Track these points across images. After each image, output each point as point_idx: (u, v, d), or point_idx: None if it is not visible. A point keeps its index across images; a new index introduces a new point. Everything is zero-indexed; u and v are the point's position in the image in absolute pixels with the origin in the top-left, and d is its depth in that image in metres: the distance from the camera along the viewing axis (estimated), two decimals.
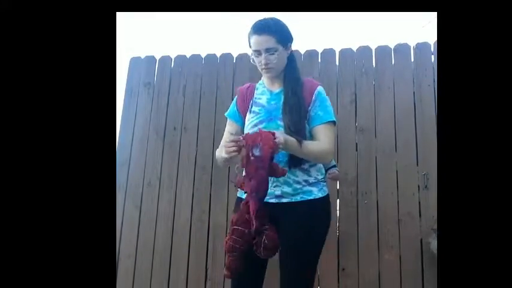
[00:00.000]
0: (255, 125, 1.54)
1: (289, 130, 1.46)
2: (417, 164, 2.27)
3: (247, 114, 1.61)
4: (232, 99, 1.75)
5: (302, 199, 1.48)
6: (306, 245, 1.47)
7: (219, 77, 2.63)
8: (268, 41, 1.49)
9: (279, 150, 1.34)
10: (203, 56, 2.71)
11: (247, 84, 1.70)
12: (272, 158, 1.32)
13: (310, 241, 1.48)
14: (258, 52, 1.52)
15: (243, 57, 2.62)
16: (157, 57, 2.77)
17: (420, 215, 2.21)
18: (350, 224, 2.25)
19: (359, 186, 2.30)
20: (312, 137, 1.52)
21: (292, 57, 1.59)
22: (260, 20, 1.53)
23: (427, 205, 2.20)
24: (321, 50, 2.55)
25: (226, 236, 1.40)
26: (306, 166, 1.52)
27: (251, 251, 1.33)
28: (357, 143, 2.37)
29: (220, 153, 1.52)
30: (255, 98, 1.62)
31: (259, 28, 1.51)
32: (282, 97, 1.54)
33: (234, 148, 1.35)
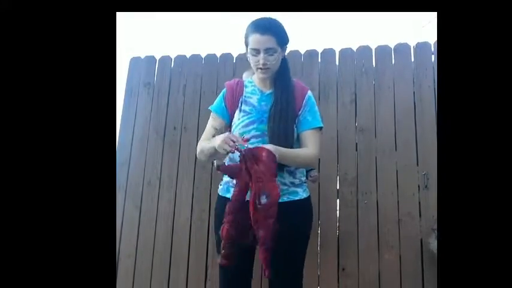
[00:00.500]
0: (246, 125, 1.55)
1: (276, 134, 1.47)
2: (417, 164, 2.27)
3: (237, 111, 1.60)
4: None
5: (289, 199, 1.51)
6: (294, 244, 1.50)
7: (219, 77, 2.63)
8: (270, 41, 1.48)
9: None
10: (203, 56, 2.71)
11: (236, 80, 1.68)
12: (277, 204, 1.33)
13: (297, 240, 1.52)
14: (256, 51, 1.50)
15: (243, 57, 2.62)
16: (157, 57, 2.77)
17: (420, 215, 2.21)
18: (350, 224, 2.25)
19: (359, 186, 2.30)
20: (299, 141, 1.56)
21: (285, 60, 1.59)
22: (262, 19, 1.52)
23: (427, 205, 2.20)
24: (321, 50, 2.55)
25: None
26: (291, 168, 1.54)
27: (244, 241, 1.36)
28: (357, 143, 2.37)
29: (208, 144, 1.52)
30: (245, 96, 1.61)
31: (261, 27, 1.49)
32: (272, 99, 1.55)
33: (232, 149, 1.36)
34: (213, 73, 2.65)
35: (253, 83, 1.63)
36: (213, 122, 1.66)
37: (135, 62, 2.81)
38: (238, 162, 1.36)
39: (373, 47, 2.49)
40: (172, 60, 2.75)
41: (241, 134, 1.52)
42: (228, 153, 1.39)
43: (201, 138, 1.64)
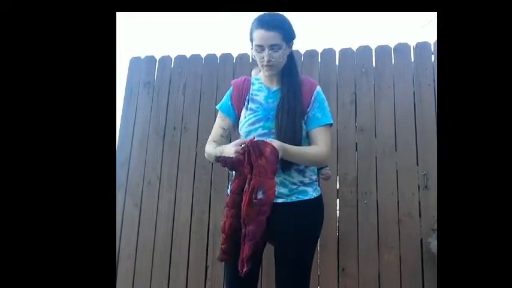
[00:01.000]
0: (253, 123, 1.53)
1: (283, 131, 1.45)
2: (417, 164, 2.27)
3: (243, 110, 1.58)
4: None
5: (298, 199, 1.49)
6: (303, 245, 1.47)
7: (219, 77, 2.63)
8: (275, 37, 1.45)
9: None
10: (203, 56, 2.71)
11: (242, 78, 1.65)
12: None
13: (307, 241, 1.49)
14: (261, 47, 1.47)
15: (243, 57, 2.63)
16: (157, 57, 2.77)
17: (420, 215, 2.21)
18: (350, 224, 2.25)
19: (359, 186, 2.29)
20: (308, 139, 1.52)
21: (292, 56, 1.56)
22: (266, 15, 1.49)
23: (427, 205, 2.20)
24: (321, 50, 2.55)
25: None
26: (301, 167, 1.51)
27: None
28: (357, 143, 2.37)
29: (215, 150, 1.50)
30: (252, 94, 1.58)
31: (266, 23, 1.46)
32: (279, 96, 1.53)
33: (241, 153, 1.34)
34: (213, 73, 2.65)
35: (260, 80, 1.60)
36: (220, 121, 1.64)
37: (135, 62, 2.81)
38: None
39: (373, 47, 2.49)
40: (172, 60, 2.75)
41: (248, 132, 1.51)
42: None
43: (209, 139, 1.62)
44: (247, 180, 1.32)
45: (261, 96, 1.57)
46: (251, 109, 1.56)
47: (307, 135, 1.52)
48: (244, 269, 1.30)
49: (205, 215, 2.42)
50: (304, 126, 1.51)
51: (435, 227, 2.09)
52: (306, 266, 1.49)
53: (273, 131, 1.48)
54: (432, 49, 2.43)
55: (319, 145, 1.49)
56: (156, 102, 2.68)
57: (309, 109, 1.52)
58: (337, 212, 2.29)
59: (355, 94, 2.44)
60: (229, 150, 1.39)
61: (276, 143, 1.35)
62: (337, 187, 2.31)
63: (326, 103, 1.57)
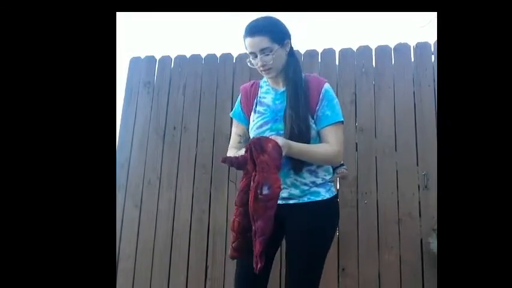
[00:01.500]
0: (261, 126, 1.51)
1: (292, 132, 1.42)
2: (417, 164, 2.27)
3: (252, 113, 1.57)
4: (232, 99, 1.74)
5: (309, 200, 1.46)
6: (313, 246, 1.44)
7: (219, 77, 2.63)
8: (262, 41, 1.44)
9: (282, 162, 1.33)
10: (203, 56, 2.71)
11: (251, 82, 1.65)
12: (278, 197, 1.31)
13: (317, 241, 1.46)
14: (253, 54, 1.47)
15: (243, 57, 2.62)
16: (157, 57, 2.77)
17: (420, 215, 2.21)
18: (350, 224, 2.25)
19: (359, 186, 2.30)
20: (320, 138, 1.49)
21: (292, 54, 1.54)
22: (251, 21, 1.49)
23: (427, 205, 2.20)
24: (321, 50, 2.55)
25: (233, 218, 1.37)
26: (313, 167, 1.49)
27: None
28: (357, 143, 2.37)
29: (239, 153, 1.48)
30: (260, 96, 1.57)
31: (251, 29, 1.46)
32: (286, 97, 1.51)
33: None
34: (213, 73, 2.65)
35: (268, 82, 1.59)
36: (235, 129, 1.64)
37: (135, 62, 2.81)
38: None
39: (373, 47, 2.49)
40: (172, 60, 2.75)
41: (257, 135, 1.48)
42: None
43: (229, 147, 1.62)
44: (252, 177, 1.32)
45: (268, 99, 1.56)
46: (259, 112, 1.54)
47: (318, 134, 1.49)
48: (259, 266, 1.29)
49: (205, 215, 2.42)
50: (313, 125, 1.48)
51: (435, 227, 2.09)
52: (317, 268, 1.46)
53: (281, 132, 1.46)
54: (432, 49, 2.43)
55: (329, 143, 1.46)
56: (156, 102, 2.68)
57: (317, 107, 1.49)
58: None
59: (355, 94, 2.44)
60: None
61: (279, 140, 1.34)
62: (337, 187, 2.31)
63: (336, 100, 1.54)
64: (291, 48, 1.54)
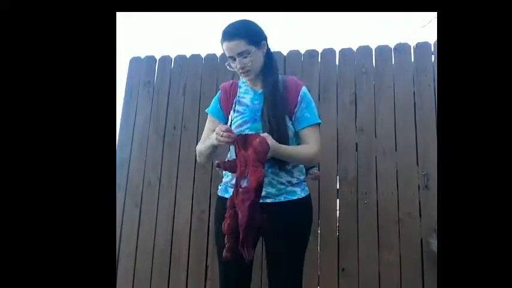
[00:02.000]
0: (240, 125, 1.54)
1: (270, 132, 1.46)
2: (417, 164, 2.27)
3: (231, 112, 1.60)
4: None
5: (286, 199, 1.50)
6: (292, 244, 1.48)
7: (219, 77, 2.63)
8: (238, 45, 1.48)
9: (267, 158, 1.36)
10: (203, 56, 2.71)
11: (230, 82, 1.69)
12: (260, 188, 1.31)
13: (295, 240, 1.50)
14: (232, 58, 1.52)
15: None
16: (157, 57, 2.77)
17: (420, 215, 2.21)
18: (350, 224, 2.25)
19: (359, 186, 2.30)
20: (298, 138, 1.54)
21: (269, 56, 1.57)
22: (227, 26, 1.53)
23: (427, 205, 2.20)
24: (321, 50, 2.55)
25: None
26: (289, 167, 1.53)
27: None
28: (357, 143, 2.37)
29: (204, 144, 1.54)
30: (239, 96, 1.61)
31: (227, 34, 1.50)
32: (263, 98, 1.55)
33: (227, 140, 1.38)
34: (213, 73, 2.65)
35: (247, 83, 1.63)
36: (210, 124, 1.67)
37: (135, 62, 2.81)
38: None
39: (373, 47, 2.49)
40: (172, 60, 2.75)
41: (236, 134, 1.52)
42: (227, 143, 1.41)
43: (200, 141, 1.65)
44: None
45: (247, 99, 1.59)
46: (238, 111, 1.58)
47: (296, 135, 1.54)
48: (245, 254, 1.32)
49: (205, 215, 2.42)
50: (291, 126, 1.52)
51: (436, 227, 2.09)
52: (298, 266, 1.51)
53: (260, 132, 1.49)
54: (432, 49, 2.43)
55: (310, 144, 1.52)
56: (156, 102, 2.68)
57: (296, 109, 1.54)
58: (337, 212, 2.29)
59: (355, 94, 2.44)
60: (212, 138, 1.44)
61: (269, 139, 1.37)
62: (337, 187, 2.32)
63: (313, 103, 1.60)
64: (268, 49, 1.57)
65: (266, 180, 1.46)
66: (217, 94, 1.70)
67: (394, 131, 2.34)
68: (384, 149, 2.32)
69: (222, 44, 1.53)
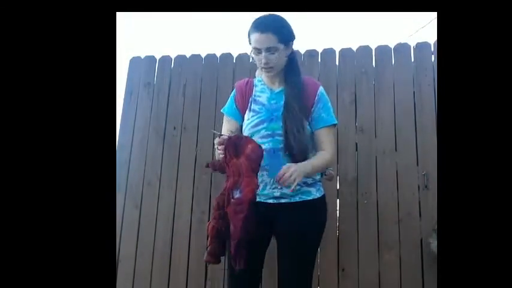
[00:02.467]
0: (256, 125, 1.52)
1: (290, 132, 1.44)
2: (417, 164, 2.27)
3: (247, 111, 1.58)
4: None
5: (301, 199, 1.49)
6: (305, 244, 1.48)
7: (219, 77, 2.62)
8: (270, 40, 1.45)
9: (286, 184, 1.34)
10: (203, 56, 2.71)
11: (245, 80, 1.66)
12: (254, 200, 1.29)
13: (309, 240, 1.49)
14: (258, 50, 1.48)
15: (243, 57, 2.62)
16: (157, 57, 2.77)
17: (420, 215, 2.20)
18: (350, 224, 2.25)
19: (359, 186, 2.29)
20: (314, 139, 1.53)
21: (293, 56, 1.56)
22: (262, 17, 1.50)
23: (427, 205, 2.20)
24: (321, 50, 2.55)
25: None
26: None
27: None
28: (357, 143, 2.37)
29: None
30: (255, 95, 1.58)
31: (260, 26, 1.47)
32: (283, 97, 1.53)
33: (221, 152, 1.36)
34: (213, 73, 2.64)
35: (263, 81, 1.61)
36: (227, 125, 1.64)
37: (135, 62, 2.81)
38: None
39: (373, 47, 2.48)
40: (172, 60, 2.75)
41: (251, 134, 1.50)
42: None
43: None
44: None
45: (263, 98, 1.57)
46: (254, 110, 1.55)
47: (312, 135, 1.53)
48: (236, 267, 1.31)
49: (205, 215, 2.42)
50: (308, 126, 1.51)
51: (436, 227, 2.09)
52: (309, 266, 1.50)
53: (277, 132, 1.48)
54: (432, 49, 2.43)
55: (327, 148, 1.52)
56: (156, 103, 2.67)
57: (313, 109, 1.52)
58: (337, 212, 2.29)
59: (355, 94, 2.44)
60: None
61: (293, 167, 1.35)
62: (337, 187, 2.31)
63: (329, 103, 1.58)
64: (293, 49, 1.56)
65: None
66: (232, 93, 1.66)
67: (394, 131, 2.34)
68: (383, 149, 2.32)
69: (251, 33, 1.49)
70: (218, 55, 2.69)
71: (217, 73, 2.64)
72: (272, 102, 1.55)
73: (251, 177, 1.29)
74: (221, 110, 1.69)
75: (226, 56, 2.67)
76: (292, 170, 1.33)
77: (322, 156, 1.51)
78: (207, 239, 1.36)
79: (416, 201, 2.23)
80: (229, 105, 1.65)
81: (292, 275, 1.45)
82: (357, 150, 2.36)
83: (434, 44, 2.42)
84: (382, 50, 2.47)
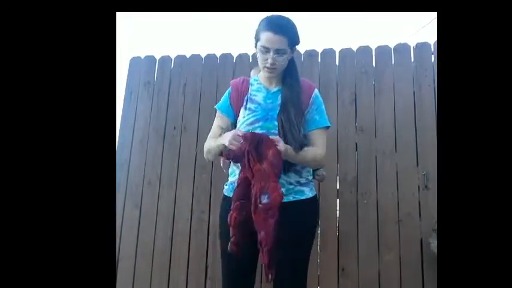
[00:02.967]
0: (251, 123, 1.53)
1: (286, 132, 1.46)
2: (417, 164, 2.27)
3: (242, 109, 1.59)
4: None
5: (294, 199, 1.51)
6: (300, 243, 1.49)
7: (219, 77, 2.63)
8: (282, 42, 1.46)
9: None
10: (203, 56, 2.71)
11: (241, 78, 1.67)
12: (281, 205, 1.30)
13: (303, 239, 1.51)
14: (266, 49, 1.48)
15: (243, 57, 2.63)
16: (157, 57, 2.77)
17: (420, 215, 2.21)
18: (350, 224, 2.25)
19: (359, 186, 2.30)
20: (306, 140, 1.54)
21: (292, 59, 1.58)
22: (276, 18, 1.50)
23: (427, 205, 2.20)
24: (321, 50, 2.55)
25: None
26: (298, 167, 1.53)
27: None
28: (356, 143, 2.37)
29: (216, 142, 1.52)
30: (251, 94, 1.60)
31: (275, 26, 1.47)
32: (279, 97, 1.54)
33: (238, 146, 1.36)
34: (213, 73, 2.65)
35: (259, 80, 1.62)
36: (219, 121, 1.65)
37: (135, 62, 2.81)
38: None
39: (373, 47, 2.49)
40: (172, 60, 2.75)
41: (247, 132, 1.51)
42: (237, 151, 1.38)
43: (208, 137, 1.64)
44: (251, 185, 1.33)
45: (259, 97, 1.58)
46: (250, 109, 1.56)
47: (305, 137, 1.54)
48: (270, 277, 1.31)
49: (205, 215, 2.42)
50: (301, 127, 1.52)
51: (435, 227, 2.09)
52: (303, 265, 1.51)
53: (272, 131, 1.49)
54: (432, 49, 2.43)
55: (318, 147, 1.53)
56: (156, 102, 2.68)
57: (307, 111, 1.55)
58: (337, 212, 2.29)
59: (355, 94, 2.44)
60: (227, 137, 1.42)
61: (281, 144, 1.37)
62: (337, 187, 2.31)
63: (323, 106, 1.61)
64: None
65: None
66: (228, 91, 1.67)
67: (394, 131, 2.34)
68: (383, 149, 2.32)
69: (262, 32, 1.48)
70: (218, 55, 2.69)
71: (217, 73, 2.64)
72: (268, 101, 1.56)
73: (276, 182, 1.31)
74: (215, 106, 1.70)
75: (226, 56, 2.67)
76: (282, 144, 1.38)
77: (313, 149, 1.52)
78: (229, 229, 1.36)
79: (416, 201, 2.23)
80: (223, 102, 1.66)
81: (286, 275, 1.45)
82: (357, 150, 2.36)
83: (434, 44, 2.42)
84: (382, 50, 2.47)
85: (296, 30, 1.53)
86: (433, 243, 2.08)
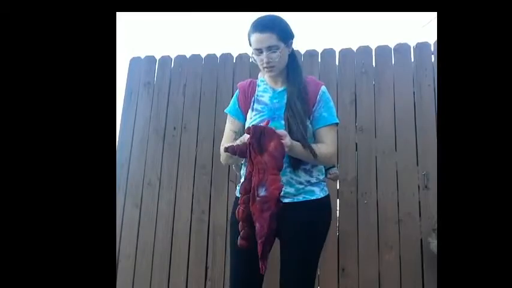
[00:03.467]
0: (259, 123, 1.52)
1: (293, 131, 1.44)
2: (417, 164, 2.27)
3: (249, 111, 1.58)
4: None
5: (304, 199, 1.48)
6: (308, 244, 1.47)
7: (219, 77, 2.63)
8: (270, 38, 1.46)
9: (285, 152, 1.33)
10: (203, 56, 2.71)
11: (248, 80, 1.67)
12: (280, 198, 1.28)
13: (312, 240, 1.48)
14: (259, 50, 1.49)
15: (243, 57, 2.63)
16: (157, 57, 2.77)
17: (420, 215, 2.21)
18: (350, 224, 2.25)
19: (359, 186, 2.30)
20: (315, 138, 1.52)
21: (293, 55, 1.57)
22: (260, 18, 1.51)
23: (427, 205, 2.20)
24: (321, 50, 2.55)
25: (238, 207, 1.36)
26: (308, 167, 1.51)
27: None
28: (356, 143, 2.37)
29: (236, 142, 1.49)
30: (257, 95, 1.59)
31: (260, 26, 1.48)
32: (285, 96, 1.53)
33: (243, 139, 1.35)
34: (213, 73, 2.65)
35: (265, 81, 1.61)
36: (230, 125, 1.64)
37: (135, 62, 2.81)
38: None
39: (373, 47, 2.49)
40: (172, 60, 2.75)
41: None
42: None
43: (222, 143, 1.62)
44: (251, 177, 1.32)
45: (266, 97, 1.58)
46: (256, 110, 1.56)
47: (313, 134, 1.53)
48: (262, 271, 1.30)
49: (205, 215, 2.42)
50: (309, 125, 1.51)
51: (435, 227, 2.09)
52: (312, 266, 1.49)
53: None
54: (432, 49, 2.43)
55: (327, 144, 1.50)
56: (156, 103, 2.68)
57: (314, 108, 1.53)
58: (337, 212, 2.29)
59: (355, 94, 2.44)
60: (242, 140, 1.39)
61: (287, 139, 1.34)
62: (337, 187, 2.31)
63: (332, 102, 1.58)
64: (292, 49, 1.56)
65: (284, 179, 1.43)
66: (236, 93, 1.67)
67: (394, 131, 2.34)
68: (383, 149, 2.32)
69: (250, 35, 1.50)
70: (218, 55, 2.69)
71: (217, 73, 2.64)
72: (274, 101, 1.55)
73: (276, 175, 1.28)
74: (224, 111, 1.70)
75: (226, 56, 2.67)
76: (288, 139, 1.34)
77: (319, 145, 1.48)
78: (238, 224, 1.34)
79: (416, 201, 2.23)
80: (232, 105, 1.66)
81: (294, 275, 1.44)
82: (356, 150, 2.36)
83: (434, 44, 2.42)
84: (382, 50, 2.47)
85: (284, 24, 1.52)
86: (433, 243, 2.08)
